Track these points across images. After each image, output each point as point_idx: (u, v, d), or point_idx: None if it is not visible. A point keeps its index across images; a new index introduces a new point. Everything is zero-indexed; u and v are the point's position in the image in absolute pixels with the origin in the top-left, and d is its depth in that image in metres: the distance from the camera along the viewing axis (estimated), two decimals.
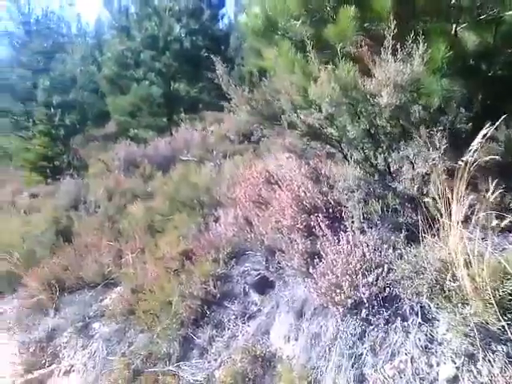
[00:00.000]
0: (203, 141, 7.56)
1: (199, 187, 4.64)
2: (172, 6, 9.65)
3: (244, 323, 2.79)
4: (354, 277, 2.27)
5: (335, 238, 2.62)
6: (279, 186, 3.45)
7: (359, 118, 3.03)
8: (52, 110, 9.98)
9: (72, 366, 3.20)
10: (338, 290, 2.27)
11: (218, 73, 3.80)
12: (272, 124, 4.14)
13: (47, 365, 3.33)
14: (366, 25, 2.86)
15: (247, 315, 2.84)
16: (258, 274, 3.04)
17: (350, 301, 2.21)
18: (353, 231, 2.60)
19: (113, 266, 3.84)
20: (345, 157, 3.48)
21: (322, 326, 2.35)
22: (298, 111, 3.56)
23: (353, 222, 2.71)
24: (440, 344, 1.93)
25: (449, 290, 1.96)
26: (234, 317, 2.84)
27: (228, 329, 2.78)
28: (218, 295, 2.98)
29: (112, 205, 5.34)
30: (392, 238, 2.48)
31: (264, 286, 2.96)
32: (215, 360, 2.62)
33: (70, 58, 13.06)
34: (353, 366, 2.05)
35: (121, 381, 2.75)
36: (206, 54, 10.01)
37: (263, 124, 4.24)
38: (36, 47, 13.16)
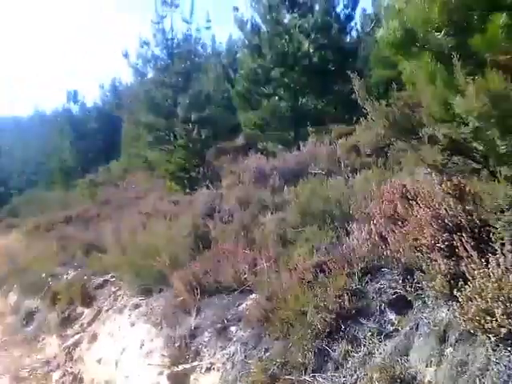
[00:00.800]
0: (330, 154, 7.57)
1: (330, 200, 4.67)
2: (301, 23, 9.89)
3: (380, 341, 2.73)
4: (507, 304, 2.10)
5: (482, 260, 2.46)
6: (417, 203, 3.33)
7: (511, 133, 2.82)
8: (190, 125, 10.82)
9: (212, 365, 3.42)
10: (488, 317, 2.12)
11: (355, 87, 3.82)
12: (408, 137, 4.02)
13: (190, 360, 3.61)
14: None
15: (383, 334, 2.78)
16: (395, 293, 2.96)
17: (503, 330, 2.05)
18: (503, 254, 2.41)
19: (248, 273, 4.04)
20: (491, 173, 3.24)
21: (468, 354, 2.21)
22: (439, 124, 3.42)
23: (503, 244, 2.51)
24: None
25: None
26: (369, 334, 2.80)
27: (364, 345, 2.75)
28: (353, 310, 2.96)
29: (245, 214, 5.60)
30: None
31: (401, 305, 2.88)
32: (351, 376, 2.61)
33: (205, 77, 14.06)
34: None
35: None
36: (333, 68, 10.09)
37: (398, 137, 4.14)
38: (176, 68, 14.41)
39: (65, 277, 7.26)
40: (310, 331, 2.94)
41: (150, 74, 17.59)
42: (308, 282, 3.35)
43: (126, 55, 18.69)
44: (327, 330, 2.94)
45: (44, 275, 7.83)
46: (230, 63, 14.98)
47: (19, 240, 12.12)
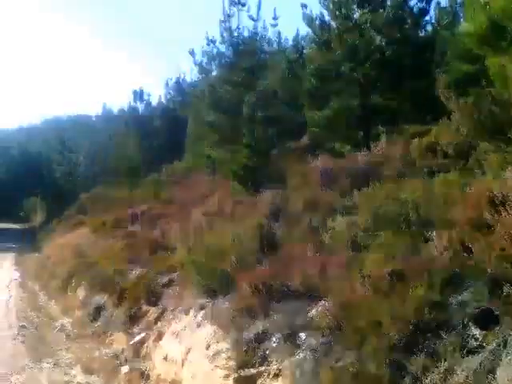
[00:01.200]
0: (404, 155, 7.37)
1: (405, 204, 4.55)
2: (373, 18, 9.70)
3: (463, 357, 2.64)
4: None
5: None
6: (505, 209, 3.18)
7: None
8: (255, 124, 10.94)
9: (280, 371, 3.45)
10: None
11: (437, 84, 3.70)
12: (495, 137, 3.85)
13: (257, 365, 3.66)
14: None
15: (466, 349, 2.68)
16: (480, 306, 2.84)
17: None
18: None
19: (318, 278, 4.03)
20: None
21: None
22: None
23: None
24: None
25: None
26: (451, 349, 2.70)
27: (444, 360, 2.66)
28: (433, 323, 2.88)
29: (314, 217, 5.59)
30: None
31: (487, 320, 2.75)
32: None
33: (271, 75, 14.16)
34: None
35: None
36: (407, 64, 9.80)
37: (484, 137, 3.97)
38: (242, 66, 14.64)
39: (131, 275, 7.60)
40: (385, 343, 2.89)
41: (215, 72, 18.08)
42: (383, 291, 3.29)
43: (192, 53, 19.33)
44: (404, 342, 2.87)
45: (111, 272, 8.27)
46: (297, 60, 15.00)
47: (87, 237, 12.86)
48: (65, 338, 7.46)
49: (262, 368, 3.61)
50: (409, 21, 9.94)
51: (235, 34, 14.89)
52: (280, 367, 3.48)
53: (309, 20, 10.93)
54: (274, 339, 3.77)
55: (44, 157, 38.74)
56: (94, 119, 46.97)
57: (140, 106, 24.68)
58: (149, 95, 24.88)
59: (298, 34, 19.08)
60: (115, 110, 35.90)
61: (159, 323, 5.88)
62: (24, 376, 5.78)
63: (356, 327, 3.15)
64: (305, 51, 15.17)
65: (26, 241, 23.03)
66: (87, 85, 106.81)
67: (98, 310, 7.69)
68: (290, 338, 3.64)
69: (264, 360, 3.69)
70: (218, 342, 4.35)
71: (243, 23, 14.21)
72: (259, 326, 4.01)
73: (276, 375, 3.48)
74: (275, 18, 17.96)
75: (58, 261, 12.38)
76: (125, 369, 5.51)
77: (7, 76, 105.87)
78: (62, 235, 16.35)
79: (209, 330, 4.65)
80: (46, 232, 20.89)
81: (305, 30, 17.76)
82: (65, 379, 5.69)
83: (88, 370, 5.86)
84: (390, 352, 2.86)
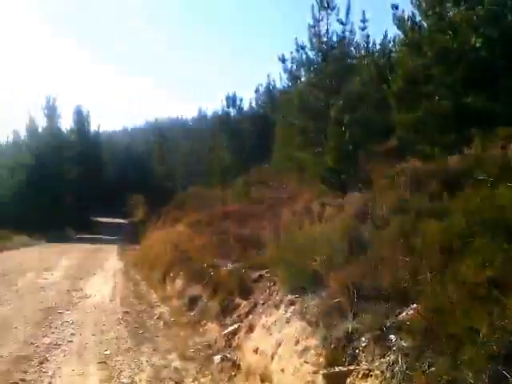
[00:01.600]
0: (501, 159, 6.85)
1: (502, 209, 4.23)
2: (469, 16, 9.12)
3: None
4: None
5: None
6: None
7: None
8: (342, 127, 10.78)
9: (370, 371, 3.38)
10: None
11: None
12: None
13: (347, 363, 3.62)
14: None
15: None
16: None
17: None
18: None
19: (408, 281, 3.89)
20: None
21: None
22: None
23: None
24: None
25: None
26: None
27: None
28: None
29: (403, 220, 5.39)
30: None
31: None
32: None
33: (359, 78, 13.87)
34: None
35: None
36: (505, 64, 9.09)
37: None
38: (330, 70, 14.49)
39: (224, 269, 7.85)
40: (483, 352, 2.72)
41: (303, 78, 18.08)
42: (480, 298, 3.09)
43: (282, 60, 19.51)
44: (504, 352, 2.68)
45: (205, 265, 8.60)
46: (385, 63, 14.55)
47: (183, 232, 13.48)
48: (162, 326, 7.87)
49: (352, 367, 3.56)
50: (510, 17, 9.24)
51: (324, 39, 14.78)
52: (370, 367, 3.40)
53: (400, 21, 10.57)
54: (363, 339, 3.70)
55: (146, 156, 41.31)
56: (190, 123, 49.19)
57: (232, 111, 25.46)
58: (241, 100, 25.58)
59: (385, 36, 18.53)
60: (209, 114, 37.35)
61: (250, 316, 6.01)
62: (127, 357, 6.19)
63: (450, 333, 2.99)
64: (393, 54, 14.71)
65: (129, 234, 24.70)
66: (184, 90, 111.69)
67: (194, 300, 8.03)
68: (380, 338, 3.55)
69: (353, 359, 3.63)
70: (306, 338, 4.35)
71: (332, 27, 14.07)
72: (348, 324, 3.95)
73: (365, 375, 3.40)
74: (364, 21, 17.58)
75: (158, 253, 13.11)
76: (217, 358, 5.70)
77: (114, 80, 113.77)
78: (161, 230, 17.29)
79: (298, 325, 4.67)
80: (146, 226, 22.23)
81: (392, 31, 17.22)
82: (163, 363, 5.99)
83: (184, 357, 6.13)
84: (488, 361, 2.68)
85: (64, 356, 6.18)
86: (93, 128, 39.94)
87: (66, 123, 37.07)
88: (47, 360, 5.98)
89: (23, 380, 5.30)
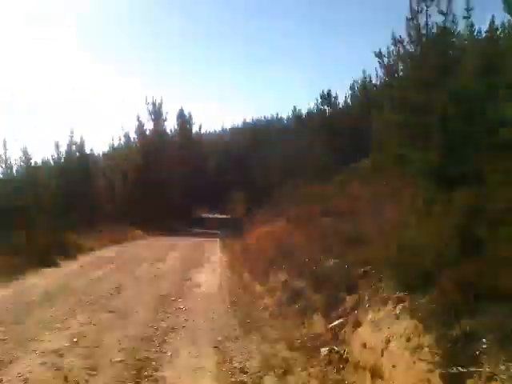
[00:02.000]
0: None
1: None
2: None
3: None
4: None
5: None
6: None
7: None
8: (447, 122, 10.11)
9: (494, 375, 3.15)
10: None
11: None
12: None
13: (467, 365, 3.41)
14: None
15: None
16: None
17: None
18: None
19: None
20: None
21: None
22: None
23: None
24: None
25: None
26: None
27: None
28: None
29: None
30: None
31: None
32: None
33: (464, 70, 12.92)
34: None
35: None
36: None
37: None
38: (430, 64, 13.67)
39: (326, 263, 7.80)
40: None
41: (401, 73, 17.26)
42: None
43: (378, 55, 18.83)
44: None
45: (307, 260, 8.62)
46: (493, 51, 13.37)
47: (284, 227, 13.65)
48: (268, 316, 8.04)
49: (473, 369, 3.34)
50: None
51: (423, 31, 14.01)
52: (494, 371, 3.17)
53: (510, 5, 9.63)
54: (484, 341, 3.45)
55: (244, 155, 42.39)
56: (285, 121, 49.57)
57: (327, 108, 25.17)
58: (335, 97, 25.19)
59: (493, 22, 16.96)
60: (304, 112, 37.36)
61: (356, 311, 5.91)
62: (237, 344, 6.43)
63: None
64: (501, 42, 13.46)
65: (231, 229, 25.59)
66: (279, 91, 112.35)
67: (297, 293, 8.08)
68: (504, 341, 3.29)
69: (474, 361, 3.41)
70: (419, 336, 4.18)
71: (431, 19, 13.27)
72: (465, 324, 3.72)
73: (489, 378, 3.18)
74: (468, 10, 16.28)
75: (260, 247, 13.42)
76: (324, 350, 5.69)
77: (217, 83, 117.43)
78: (261, 225, 17.65)
79: (408, 323, 4.49)
80: (247, 222, 22.86)
81: (500, 18, 15.77)
82: (271, 352, 6.13)
83: (291, 347, 6.21)
84: None
85: (180, 339, 6.61)
86: (194, 129, 42.14)
87: (170, 124, 39.41)
88: (165, 342, 6.46)
89: (147, 358, 5.79)
